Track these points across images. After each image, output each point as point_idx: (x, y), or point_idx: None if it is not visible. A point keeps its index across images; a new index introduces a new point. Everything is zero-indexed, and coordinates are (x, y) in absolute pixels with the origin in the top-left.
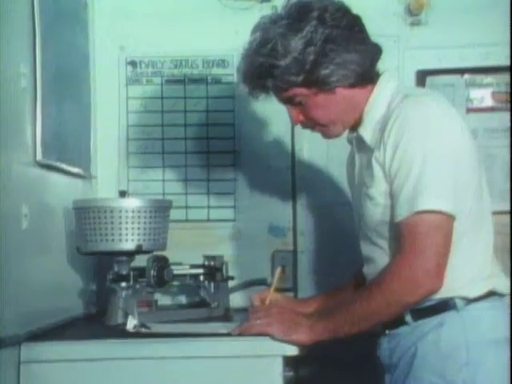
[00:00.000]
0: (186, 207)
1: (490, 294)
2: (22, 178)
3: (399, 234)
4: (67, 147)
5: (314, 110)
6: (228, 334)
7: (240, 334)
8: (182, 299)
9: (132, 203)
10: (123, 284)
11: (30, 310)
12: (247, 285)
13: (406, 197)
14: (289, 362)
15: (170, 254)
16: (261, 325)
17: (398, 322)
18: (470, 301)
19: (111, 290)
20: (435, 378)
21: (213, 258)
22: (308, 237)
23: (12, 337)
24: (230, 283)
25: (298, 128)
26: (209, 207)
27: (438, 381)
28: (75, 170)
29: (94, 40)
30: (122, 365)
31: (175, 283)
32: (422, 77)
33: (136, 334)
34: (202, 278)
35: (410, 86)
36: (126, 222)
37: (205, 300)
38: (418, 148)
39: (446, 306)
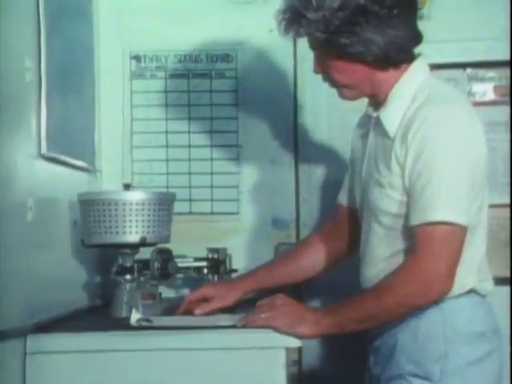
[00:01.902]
0: (190, 200)
1: (471, 292)
2: (27, 171)
3: (414, 238)
4: (72, 141)
5: (331, 69)
6: (231, 326)
7: (244, 327)
8: (186, 292)
9: (136, 196)
10: (127, 276)
11: (36, 301)
12: None
13: (426, 204)
14: (292, 353)
15: (174, 246)
16: (265, 318)
17: None
18: (450, 296)
19: (115, 282)
20: (413, 367)
21: (216, 250)
22: (311, 229)
23: (18, 328)
24: (234, 276)
25: (302, 122)
26: (212, 200)
27: (416, 370)
28: (80, 163)
29: (98, 34)
30: (126, 356)
31: (179, 276)
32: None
33: (139, 327)
34: (205, 270)
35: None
36: (130, 215)
37: None
38: (441, 158)
39: None
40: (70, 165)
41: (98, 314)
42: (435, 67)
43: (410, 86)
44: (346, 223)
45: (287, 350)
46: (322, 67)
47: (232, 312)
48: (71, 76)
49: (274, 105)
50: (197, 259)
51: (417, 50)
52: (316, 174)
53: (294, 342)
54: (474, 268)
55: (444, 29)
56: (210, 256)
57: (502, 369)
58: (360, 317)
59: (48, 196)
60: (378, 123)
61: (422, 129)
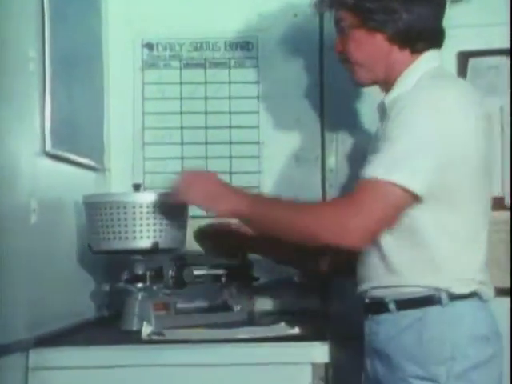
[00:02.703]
0: None
1: (474, 295)
2: (30, 170)
3: (356, 185)
4: (78, 137)
5: (351, 42)
6: (251, 340)
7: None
8: (203, 302)
9: (147, 198)
10: (139, 285)
11: (39, 312)
12: (274, 285)
13: (376, 159)
14: (319, 369)
15: (190, 252)
16: (182, 193)
17: (381, 308)
18: (454, 297)
19: (126, 291)
20: (417, 369)
21: (238, 257)
22: None
23: (19, 342)
24: (255, 284)
25: (329, 117)
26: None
27: (421, 372)
28: (87, 161)
29: (107, 21)
30: (136, 373)
31: (195, 285)
32: (464, 59)
33: (151, 341)
34: (223, 279)
35: (450, 71)
36: (141, 218)
37: (227, 303)
38: (414, 121)
39: (430, 300)
40: (77, 163)
41: (106, 326)
42: (476, 54)
43: (416, 73)
44: None
45: (313, 365)
46: (343, 44)
47: (253, 324)
48: (78, 67)
49: (299, 97)
50: (214, 266)
51: (450, 38)
52: (344, 171)
53: (321, 358)
54: (477, 269)
55: (485, 11)
56: (228, 263)
57: (502, 373)
58: (276, 218)
59: (53, 197)
60: (384, 108)
61: (409, 96)
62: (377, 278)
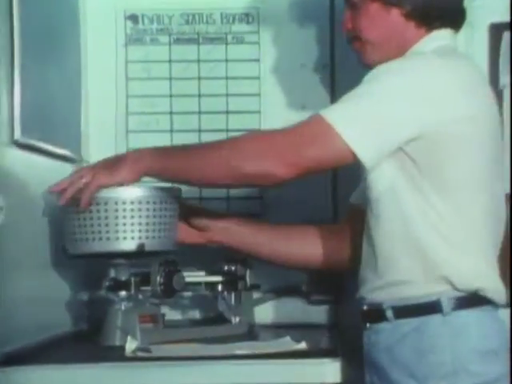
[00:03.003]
0: (200, 198)
1: (481, 302)
2: None
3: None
4: (52, 123)
5: (363, 18)
6: (253, 357)
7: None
8: (196, 313)
9: (132, 193)
10: (122, 293)
11: (6, 326)
12: (277, 295)
13: (345, 106)
14: None
15: (181, 256)
16: (86, 183)
17: (379, 317)
18: (458, 304)
19: (107, 301)
20: (415, 383)
21: (234, 261)
22: None
23: None
24: (255, 293)
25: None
26: (229, 198)
27: None
28: (62, 151)
29: None
30: None
31: (187, 293)
32: (497, 32)
33: (137, 358)
34: (220, 286)
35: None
36: (125, 217)
37: (224, 314)
38: (399, 82)
39: (431, 307)
40: (51, 153)
41: (85, 341)
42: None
43: (421, 49)
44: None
45: None
46: (353, 20)
47: (253, 338)
48: (52, 42)
49: (306, 79)
50: (209, 272)
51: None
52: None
53: (333, 377)
54: (484, 270)
55: None
56: (226, 268)
57: None
58: (187, 161)
59: (23, 193)
60: None
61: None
62: (371, 279)
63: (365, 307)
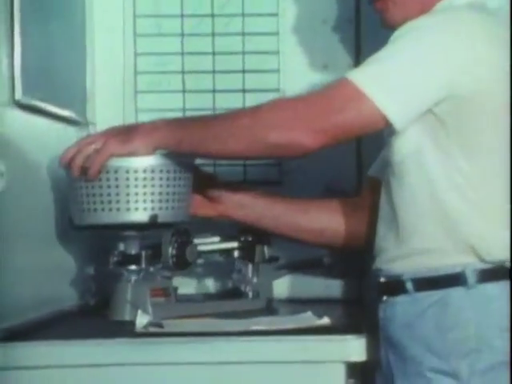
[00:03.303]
0: (215, 165)
1: (505, 273)
2: None
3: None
4: (56, 83)
5: None
6: (272, 332)
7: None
8: (210, 287)
9: (144, 161)
10: (132, 267)
11: (8, 300)
12: (297, 267)
13: (373, 68)
14: (353, 369)
15: (194, 227)
16: (96, 150)
17: (398, 288)
18: (483, 276)
19: (116, 274)
20: (437, 363)
21: (250, 230)
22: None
23: None
24: (274, 265)
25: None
26: (245, 165)
27: (441, 366)
28: (66, 112)
29: None
30: (129, 372)
31: (200, 263)
32: None
33: (148, 334)
34: (236, 253)
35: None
36: (136, 186)
37: (240, 288)
38: (427, 38)
39: (454, 279)
40: (54, 115)
41: (92, 316)
42: None
43: (451, 3)
44: None
45: (347, 365)
46: None
47: (272, 313)
48: None
49: (328, 35)
50: (225, 238)
51: None
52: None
53: (357, 355)
54: (506, 231)
55: None
56: (241, 238)
57: None
58: (206, 133)
59: (25, 157)
60: None
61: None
62: (390, 249)
63: (382, 279)
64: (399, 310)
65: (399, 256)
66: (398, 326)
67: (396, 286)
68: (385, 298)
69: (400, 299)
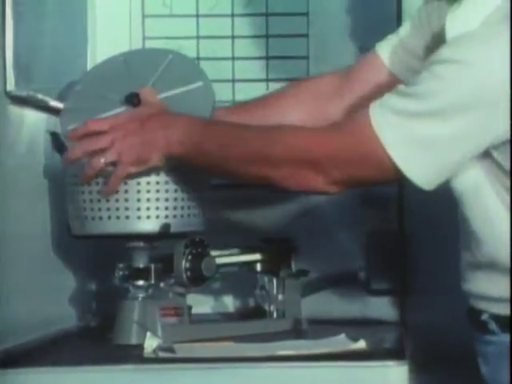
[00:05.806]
0: None
1: None
2: None
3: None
4: (52, 72)
5: None
6: (298, 358)
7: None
8: (229, 305)
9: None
10: (140, 282)
11: (0, 321)
12: (329, 282)
13: (399, 110)
14: None
15: (210, 237)
16: (110, 164)
17: (482, 327)
18: None
19: (121, 291)
20: None
21: (276, 242)
22: (419, 214)
23: None
24: (303, 280)
25: None
26: None
27: None
28: (62, 105)
29: None
30: None
31: (217, 278)
32: None
33: (157, 359)
34: (258, 269)
35: None
36: (148, 191)
37: (263, 306)
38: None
39: None
40: (50, 108)
41: (93, 339)
42: None
43: None
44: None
45: None
46: None
47: (301, 336)
48: None
49: (365, 14)
50: (246, 250)
51: None
52: None
53: (398, 383)
54: None
55: None
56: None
57: None
58: (225, 144)
59: (18, 154)
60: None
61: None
62: (465, 274)
63: (469, 309)
64: (489, 351)
65: (474, 288)
66: (492, 367)
67: (480, 325)
68: (475, 333)
69: (488, 338)
